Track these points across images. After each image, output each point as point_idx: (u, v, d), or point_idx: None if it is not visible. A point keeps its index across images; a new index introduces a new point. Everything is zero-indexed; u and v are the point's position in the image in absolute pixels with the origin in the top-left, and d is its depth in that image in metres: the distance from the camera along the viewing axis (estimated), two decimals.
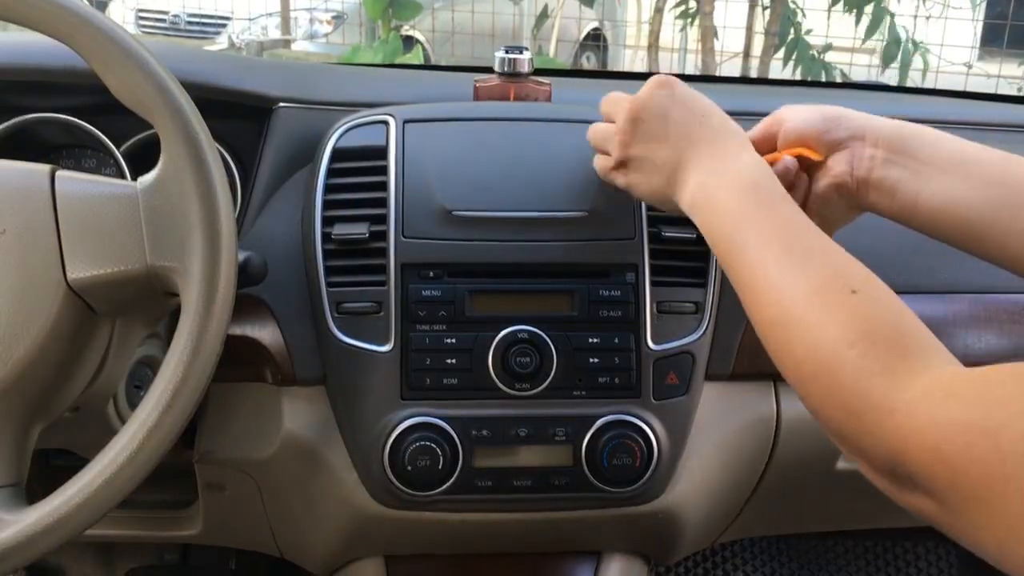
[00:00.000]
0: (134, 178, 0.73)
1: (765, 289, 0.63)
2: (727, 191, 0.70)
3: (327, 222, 0.88)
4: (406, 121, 0.91)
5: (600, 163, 0.84)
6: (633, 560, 1.03)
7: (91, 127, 0.95)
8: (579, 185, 0.89)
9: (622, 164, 0.79)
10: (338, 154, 0.91)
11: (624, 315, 0.88)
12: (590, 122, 0.87)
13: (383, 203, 0.87)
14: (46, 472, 0.78)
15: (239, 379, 0.90)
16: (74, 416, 0.81)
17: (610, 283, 0.88)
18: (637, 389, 0.88)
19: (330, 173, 0.90)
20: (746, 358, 0.93)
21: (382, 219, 0.87)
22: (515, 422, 0.87)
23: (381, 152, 0.90)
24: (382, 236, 0.87)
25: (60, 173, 0.72)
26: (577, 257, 0.88)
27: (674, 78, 0.78)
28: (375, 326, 0.86)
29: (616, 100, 0.81)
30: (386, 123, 0.91)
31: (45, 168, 0.72)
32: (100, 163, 1.02)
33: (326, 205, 0.88)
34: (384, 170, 0.89)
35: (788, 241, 0.64)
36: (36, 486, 0.72)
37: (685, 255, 0.90)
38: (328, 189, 0.89)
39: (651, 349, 0.88)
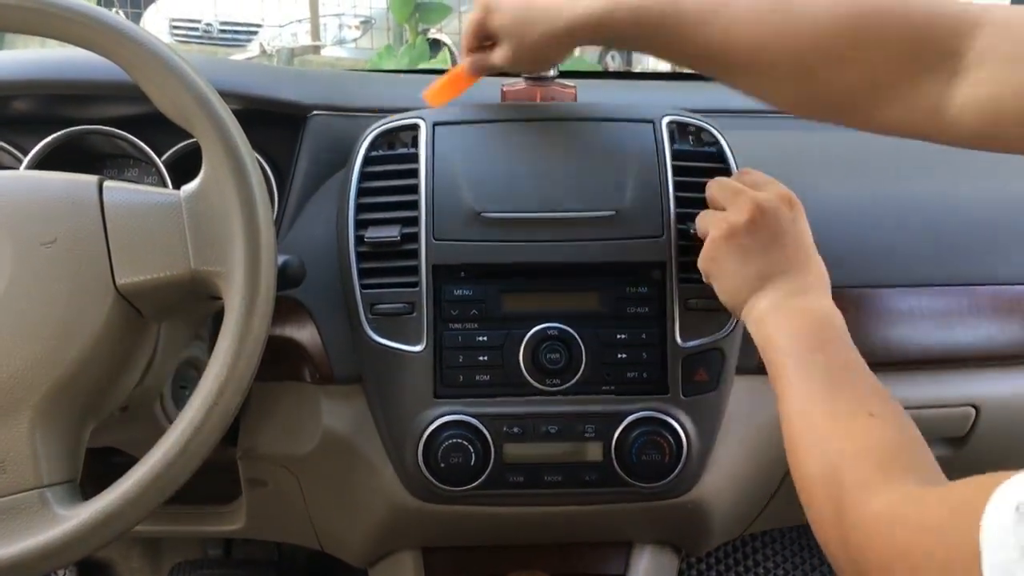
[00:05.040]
0: (175, 187, 0.75)
1: (799, 411, 0.68)
2: (798, 325, 0.73)
3: (360, 225, 0.89)
4: (435, 124, 0.91)
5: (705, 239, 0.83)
6: (663, 550, 1.04)
7: (135, 138, 0.98)
8: (606, 184, 0.89)
9: (713, 252, 0.80)
10: (370, 159, 0.91)
11: (651, 311, 0.88)
12: (616, 120, 0.90)
13: (414, 206, 0.88)
14: (98, 470, 0.81)
15: (279, 378, 0.92)
16: (123, 415, 0.83)
17: (637, 280, 0.89)
18: (665, 385, 0.88)
19: (363, 177, 0.91)
20: None
21: (414, 221, 0.88)
22: (545, 419, 0.88)
23: (412, 156, 0.90)
24: (414, 238, 0.87)
25: (108, 183, 0.74)
26: (605, 256, 0.88)
27: (799, 201, 0.80)
28: (408, 326, 0.87)
29: (735, 191, 0.80)
30: (416, 127, 0.92)
31: (93, 179, 0.75)
32: (142, 172, 1.05)
33: (359, 209, 0.89)
34: (415, 173, 0.89)
35: (830, 378, 0.69)
36: (88, 484, 0.75)
37: None
38: (360, 193, 0.90)
39: (680, 346, 0.88)
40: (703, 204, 0.86)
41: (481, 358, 0.88)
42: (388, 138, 0.93)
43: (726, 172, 0.91)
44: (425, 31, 3.65)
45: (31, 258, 0.72)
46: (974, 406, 1.00)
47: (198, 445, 0.69)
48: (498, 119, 0.93)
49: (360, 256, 0.88)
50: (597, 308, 0.89)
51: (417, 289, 0.87)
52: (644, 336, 0.88)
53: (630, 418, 0.88)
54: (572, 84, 1.03)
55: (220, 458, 0.91)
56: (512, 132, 0.92)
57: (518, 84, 1.01)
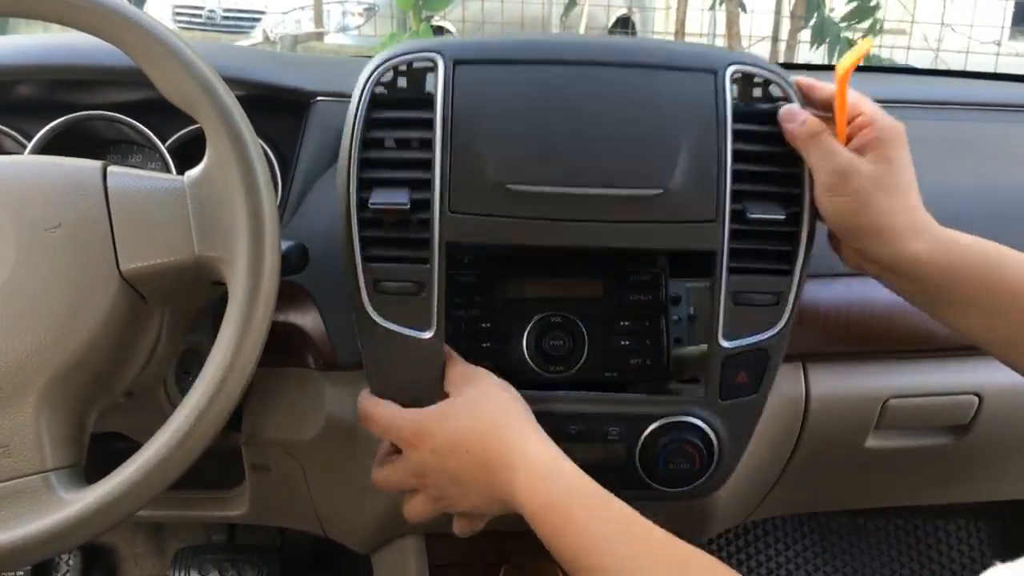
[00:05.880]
0: (179, 173, 0.75)
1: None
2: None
3: (363, 185, 0.77)
4: (456, 62, 0.77)
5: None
6: None
7: (139, 124, 0.98)
8: (655, 153, 0.77)
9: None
10: (376, 101, 0.78)
11: (653, 299, 0.85)
12: (672, 68, 0.78)
13: (428, 165, 0.76)
14: (102, 455, 0.81)
15: (283, 364, 0.92)
16: (127, 401, 0.83)
17: (638, 269, 0.84)
18: (665, 371, 0.85)
19: (367, 125, 0.77)
20: None
21: (426, 185, 0.76)
22: (568, 418, 0.81)
23: (427, 101, 0.77)
24: (426, 206, 0.76)
25: (111, 168, 0.75)
26: (648, 242, 0.79)
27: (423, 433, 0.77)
28: (416, 308, 0.78)
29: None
30: (433, 64, 0.78)
31: (97, 164, 0.75)
32: (146, 158, 1.05)
33: (362, 165, 0.77)
34: (430, 124, 0.76)
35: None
36: (92, 469, 0.75)
37: (770, 237, 0.80)
38: (364, 145, 0.77)
39: (722, 346, 0.79)
40: (766, 179, 0.78)
41: (484, 345, 0.85)
42: (398, 74, 0.79)
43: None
44: (429, 18, 3.64)
45: (35, 243, 0.72)
46: (977, 394, 1.00)
47: (202, 431, 0.69)
48: (534, 59, 0.78)
49: (363, 223, 0.77)
50: (600, 294, 0.86)
51: (428, 267, 0.77)
52: (647, 324, 0.86)
53: (660, 422, 0.81)
54: None
55: (224, 444, 0.91)
56: (550, 76, 0.78)
57: None
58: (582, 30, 4.02)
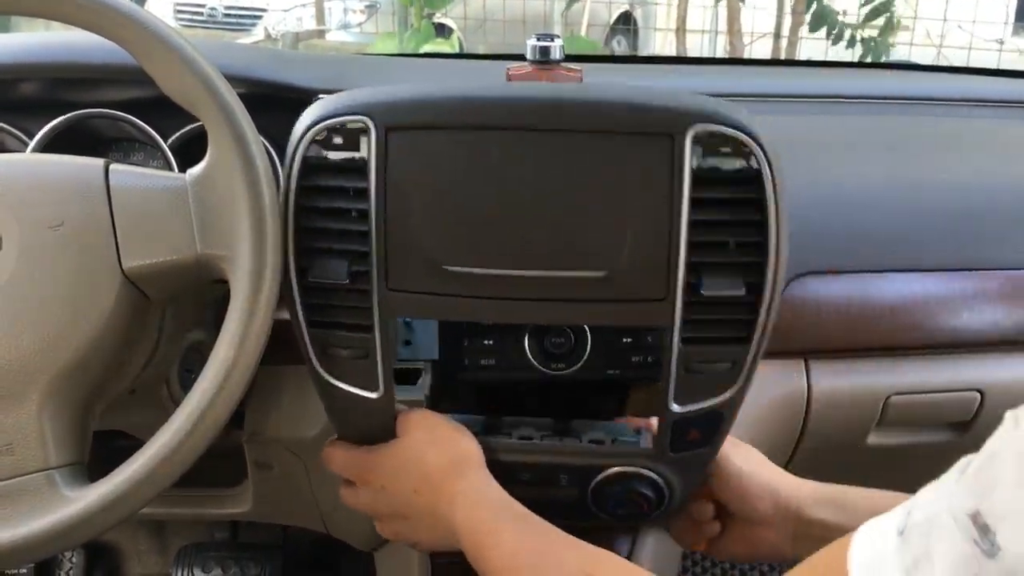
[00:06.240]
0: (180, 171, 0.75)
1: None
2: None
3: (302, 254, 0.73)
4: (388, 129, 0.70)
5: None
6: (668, 535, 1.05)
7: (141, 122, 0.98)
8: (602, 232, 0.71)
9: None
10: (310, 166, 0.73)
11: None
12: (623, 134, 0.69)
13: (364, 237, 0.72)
14: (105, 453, 0.81)
15: (285, 362, 0.91)
16: (130, 399, 0.84)
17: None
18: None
19: (301, 192, 0.72)
20: (779, 337, 0.94)
21: (364, 257, 0.72)
22: (519, 467, 0.81)
23: (360, 166, 0.71)
24: (365, 278, 0.73)
25: (114, 166, 0.75)
26: (592, 319, 0.77)
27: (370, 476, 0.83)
28: (363, 369, 0.76)
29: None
30: (366, 130, 0.71)
31: (99, 162, 0.75)
32: (148, 156, 1.05)
33: (300, 234, 0.73)
34: (364, 194, 0.71)
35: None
36: (95, 467, 0.75)
37: (728, 307, 0.73)
38: (299, 212, 0.72)
39: (674, 411, 0.76)
40: (725, 249, 0.71)
41: (487, 342, 0.85)
42: (330, 137, 0.73)
43: (759, 204, 0.70)
44: (430, 15, 3.64)
45: (38, 241, 0.72)
46: (979, 391, 1.00)
47: (204, 428, 0.69)
48: (471, 124, 0.71)
49: (304, 290, 0.74)
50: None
51: (370, 335, 0.75)
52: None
53: (609, 471, 0.81)
54: (578, 68, 1.03)
55: (226, 441, 0.92)
56: (489, 145, 0.71)
57: (524, 68, 1.01)
58: (584, 27, 4.02)
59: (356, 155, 0.71)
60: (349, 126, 0.71)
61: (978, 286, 0.99)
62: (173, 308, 0.81)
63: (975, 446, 0.44)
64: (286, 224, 0.72)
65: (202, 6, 4.87)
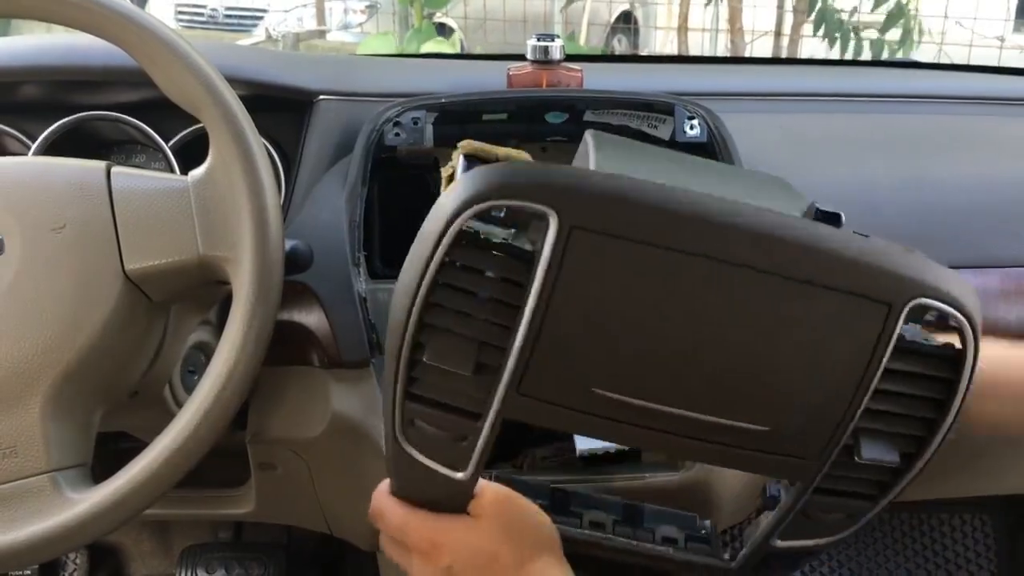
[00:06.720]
0: (182, 172, 0.75)
1: None
2: None
3: (423, 329, 0.60)
4: (574, 227, 0.57)
5: None
6: None
7: (142, 124, 0.98)
8: (779, 390, 0.62)
9: None
10: (463, 241, 0.59)
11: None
12: (846, 292, 0.59)
13: (505, 332, 0.60)
14: (108, 455, 0.82)
15: (288, 362, 0.92)
16: (133, 400, 0.84)
17: None
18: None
19: (442, 267, 0.59)
20: None
21: (498, 352, 0.60)
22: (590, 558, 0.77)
23: (525, 259, 0.58)
24: (491, 372, 0.61)
25: (115, 169, 0.75)
26: (730, 463, 0.66)
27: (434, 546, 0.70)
28: (455, 450, 0.66)
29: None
30: (544, 218, 0.57)
31: (101, 164, 0.75)
32: (149, 158, 1.05)
33: (427, 309, 0.60)
34: (521, 288, 0.59)
35: None
36: (98, 468, 0.75)
37: (872, 471, 0.66)
38: (434, 288, 0.59)
39: (772, 545, 0.72)
40: (891, 419, 0.64)
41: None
42: (498, 216, 0.60)
43: (951, 385, 0.63)
44: (431, 15, 3.64)
45: (41, 244, 0.72)
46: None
47: (207, 429, 0.69)
48: (673, 247, 0.58)
49: (411, 366, 0.62)
50: None
51: (478, 424, 0.64)
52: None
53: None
54: (578, 68, 1.03)
55: (229, 442, 0.92)
56: (682, 270, 0.58)
57: (524, 68, 1.01)
58: (584, 26, 4.02)
59: (527, 246, 0.59)
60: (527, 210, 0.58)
61: (980, 283, 0.99)
62: (176, 309, 0.82)
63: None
64: (415, 297, 0.60)
65: (203, 7, 4.89)
